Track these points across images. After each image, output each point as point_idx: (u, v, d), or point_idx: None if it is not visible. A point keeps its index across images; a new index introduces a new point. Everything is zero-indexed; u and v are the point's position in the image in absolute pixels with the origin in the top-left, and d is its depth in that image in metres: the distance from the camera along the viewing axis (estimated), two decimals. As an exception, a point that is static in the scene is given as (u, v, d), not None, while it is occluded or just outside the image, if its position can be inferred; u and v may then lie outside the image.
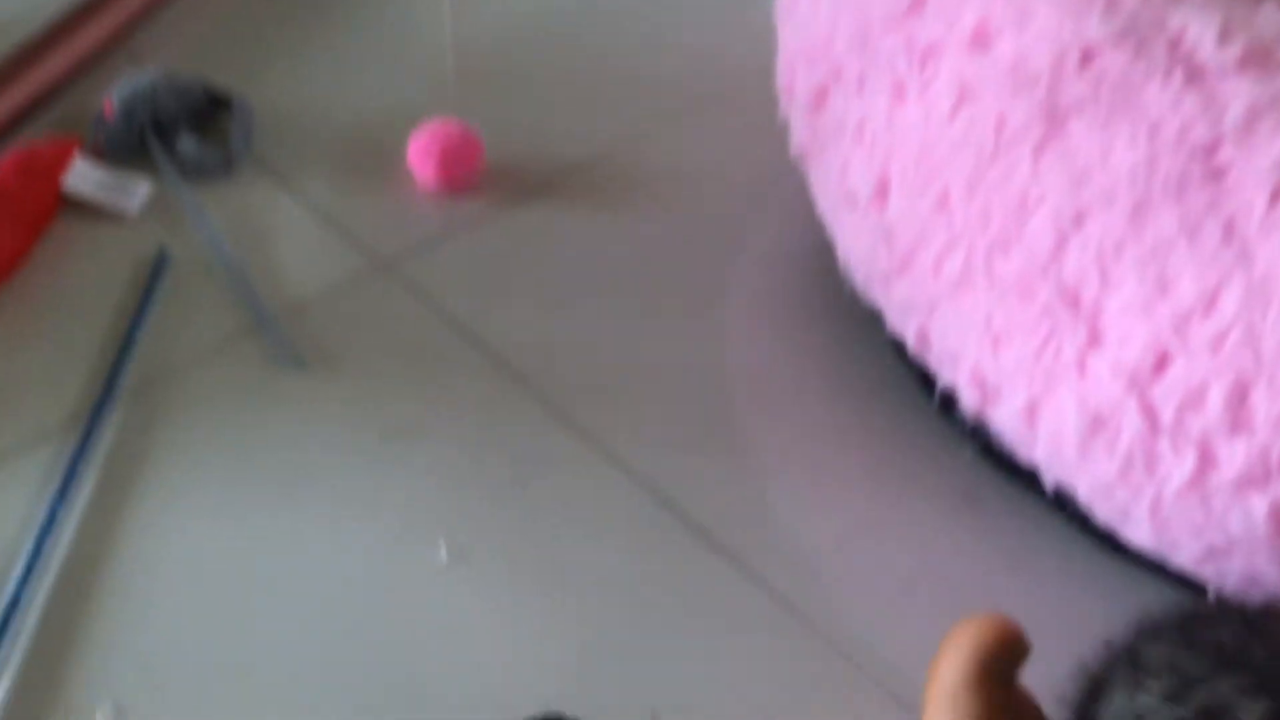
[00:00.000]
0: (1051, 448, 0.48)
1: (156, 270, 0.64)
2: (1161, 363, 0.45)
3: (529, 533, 0.55)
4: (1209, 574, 0.47)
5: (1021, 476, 0.53)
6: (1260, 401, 0.43)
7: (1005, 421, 0.51)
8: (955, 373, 0.52)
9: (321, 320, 0.63)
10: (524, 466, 0.57)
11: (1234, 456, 0.43)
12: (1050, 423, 0.48)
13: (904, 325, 0.55)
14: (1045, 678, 0.38)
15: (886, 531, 0.56)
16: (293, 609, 0.52)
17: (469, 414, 0.59)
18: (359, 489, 0.56)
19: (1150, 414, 0.45)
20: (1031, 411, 0.49)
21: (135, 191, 0.67)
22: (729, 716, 0.49)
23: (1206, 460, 0.44)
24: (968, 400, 0.52)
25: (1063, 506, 0.52)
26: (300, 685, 0.49)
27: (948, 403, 0.54)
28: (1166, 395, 0.44)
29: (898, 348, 0.57)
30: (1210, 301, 0.44)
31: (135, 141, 0.69)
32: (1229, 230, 0.43)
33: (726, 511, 0.56)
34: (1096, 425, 0.46)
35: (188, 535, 0.54)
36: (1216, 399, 0.43)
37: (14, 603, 0.50)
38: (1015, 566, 0.54)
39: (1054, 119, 0.47)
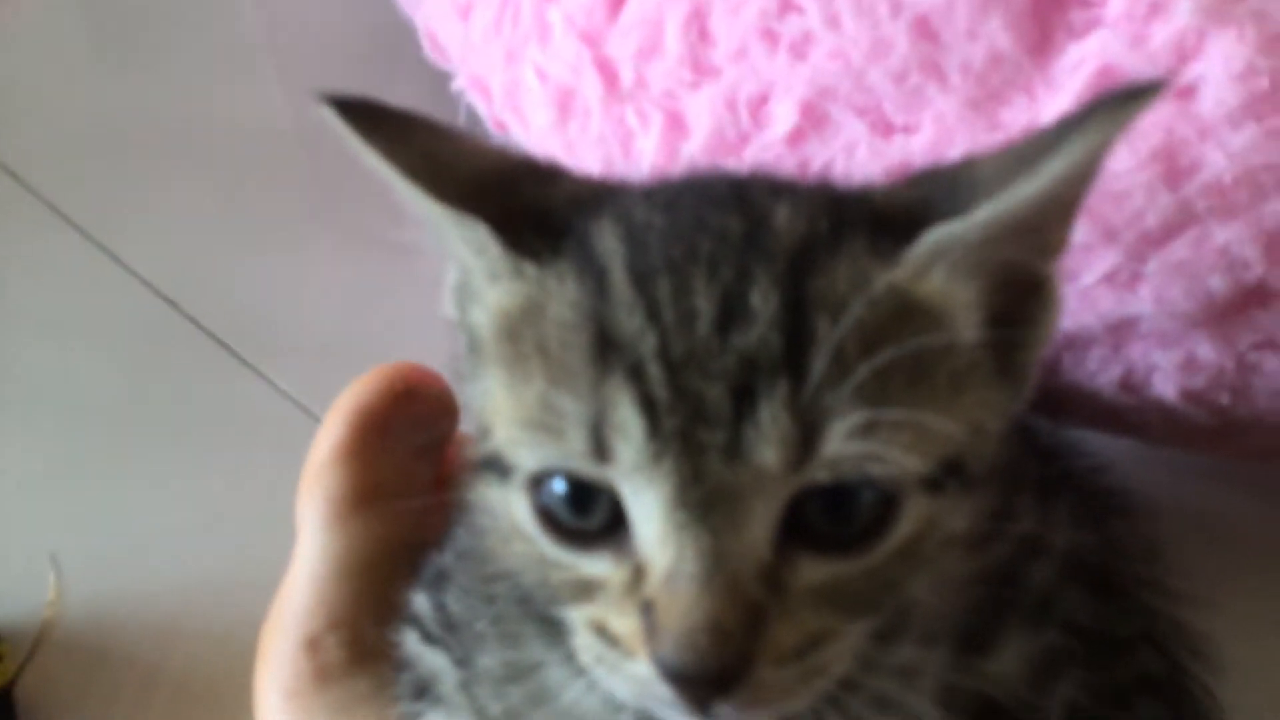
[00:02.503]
0: (535, 138, 0.38)
1: None
2: (615, 6, 0.34)
3: None
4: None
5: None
6: (720, 30, 0.32)
7: (501, 113, 0.40)
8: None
9: None
10: None
11: (701, 115, 0.33)
12: (529, 107, 0.38)
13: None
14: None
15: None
16: None
17: None
18: None
19: (608, 72, 0.34)
20: (511, 95, 0.38)
21: None
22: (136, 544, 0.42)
23: (674, 123, 0.34)
24: (472, 98, 0.42)
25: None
26: None
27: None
28: (622, 45, 0.34)
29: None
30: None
31: None
32: None
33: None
34: (564, 102, 0.36)
35: None
36: (673, 37, 0.33)
37: None
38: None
39: None
